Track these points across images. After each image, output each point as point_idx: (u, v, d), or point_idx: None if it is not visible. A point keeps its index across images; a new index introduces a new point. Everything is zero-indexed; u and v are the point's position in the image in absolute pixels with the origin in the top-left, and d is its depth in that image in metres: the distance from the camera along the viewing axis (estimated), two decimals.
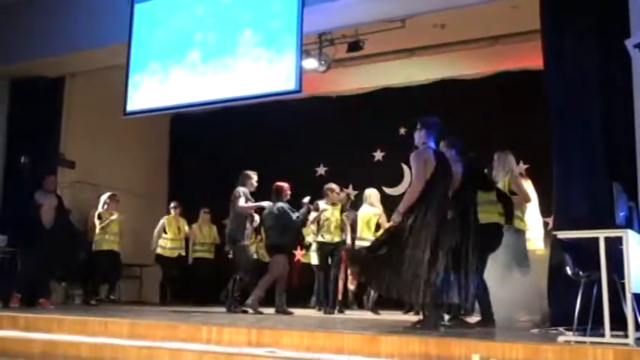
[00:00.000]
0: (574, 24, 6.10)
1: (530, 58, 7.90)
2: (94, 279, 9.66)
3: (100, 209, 9.59)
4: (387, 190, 10.20)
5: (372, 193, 8.84)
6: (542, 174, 6.68)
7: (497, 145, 7.16)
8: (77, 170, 10.51)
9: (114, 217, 9.48)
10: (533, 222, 6.81)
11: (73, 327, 5.93)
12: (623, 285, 4.28)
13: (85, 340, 5.57)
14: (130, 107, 8.56)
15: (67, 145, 10.26)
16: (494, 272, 5.93)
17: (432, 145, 5.56)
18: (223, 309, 8.12)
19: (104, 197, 9.67)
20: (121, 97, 8.55)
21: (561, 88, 6.05)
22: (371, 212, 8.66)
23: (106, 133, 10.70)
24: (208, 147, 11.97)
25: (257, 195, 10.86)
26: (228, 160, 11.62)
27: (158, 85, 8.38)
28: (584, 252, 4.61)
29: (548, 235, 6.46)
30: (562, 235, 4.71)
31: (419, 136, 5.62)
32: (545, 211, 7.02)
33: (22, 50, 9.28)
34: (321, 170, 11.40)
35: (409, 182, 5.69)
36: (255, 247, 9.70)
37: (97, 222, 9.48)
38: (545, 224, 7.26)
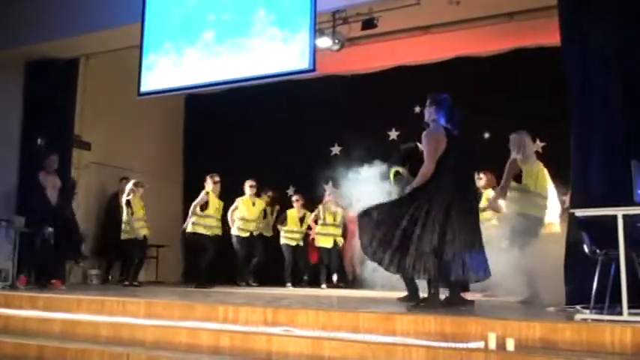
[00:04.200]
0: None
1: (548, 35, 7.79)
2: (127, 262, 9.76)
3: (126, 196, 9.59)
4: (402, 170, 10.13)
5: None
6: (560, 151, 6.61)
7: (513, 123, 7.10)
8: (93, 152, 10.59)
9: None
10: (551, 207, 6.76)
11: (92, 307, 6.01)
12: None
13: (103, 320, 5.63)
14: (144, 88, 8.58)
15: (82, 126, 10.32)
16: (510, 257, 5.96)
17: (442, 122, 5.53)
18: (239, 288, 8.18)
19: (129, 185, 9.64)
20: (135, 77, 8.56)
21: (579, 64, 5.95)
22: None
23: (121, 114, 10.72)
24: (222, 127, 11.96)
25: (276, 177, 10.95)
26: (243, 140, 11.66)
27: (172, 65, 8.38)
28: (602, 230, 4.57)
29: (565, 212, 6.42)
30: (580, 212, 4.66)
31: (429, 113, 5.61)
32: (562, 189, 6.96)
33: (36, 32, 9.28)
34: (336, 150, 11.38)
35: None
36: None
37: (125, 209, 9.51)
38: (562, 202, 7.20)
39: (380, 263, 5.40)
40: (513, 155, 6.47)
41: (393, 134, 10.74)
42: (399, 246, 5.24)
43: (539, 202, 6.46)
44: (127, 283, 9.31)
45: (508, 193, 6.47)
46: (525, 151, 6.50)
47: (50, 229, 8.28)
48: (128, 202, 9.50)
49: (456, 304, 5.28)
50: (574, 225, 5.23)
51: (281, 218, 10.51)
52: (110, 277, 10.49)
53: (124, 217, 9.50)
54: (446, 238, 5.16)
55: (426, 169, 5.34)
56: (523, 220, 6.27)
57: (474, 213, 5.53)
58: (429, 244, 5.14)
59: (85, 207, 10.20)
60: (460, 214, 5.31)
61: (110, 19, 8.69)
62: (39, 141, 9.42)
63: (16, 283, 8.07)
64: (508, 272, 6.05)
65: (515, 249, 6.09)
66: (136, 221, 9.44)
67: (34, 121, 9.77)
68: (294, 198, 10.59)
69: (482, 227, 5.60)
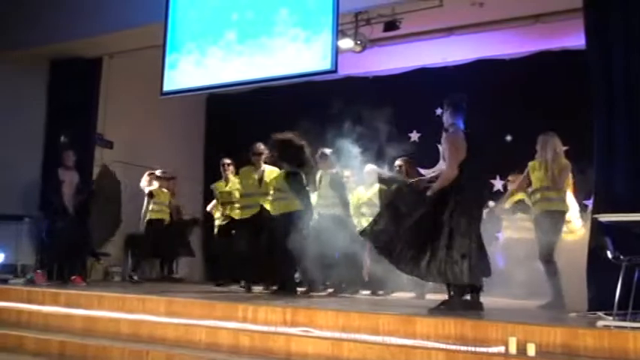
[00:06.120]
0: (617, 1, 5.94)
1: (572, 38, 7.72)
2: (138, 254, 9.77)
3: (151, 187, 9.63)
4: (423, 172, 10.10)
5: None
6: (583, 156, 6.54)
7: (536, 127, 7.04)
8: (115, 150, 10.66)
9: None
10: (571, 206, 6.73)
11: (113, 304, 6.05)
12: None
13: (124, 317, 5.67)
14: (166, 87, 8.64)
15: (105, 125, 10.39)
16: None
17: (461, 124, 5.46)
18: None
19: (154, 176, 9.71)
20: (158, 77, 8.62)
21: (604, 67, 5.89)
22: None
23: (143, 113, 10.78)
24: (244, 127, 11.95)
25: None
26: (263, 140, 11.64)
27: (194, 65, 8.42)
28: (626, 235, 4.52)
29: (588, 217, 6.37)
30: (603, 218, 4.61)
31: (446, 117, 5.54)
32: (585, 194, 6.90)
33: (61, 31, 9.39)
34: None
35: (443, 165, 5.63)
36: None
37: (146, 199, 9.56)
38: (585, 207, 7.14)
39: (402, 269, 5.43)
40: (552, 156, 6.37)
41: (415, 136, 10.69)
42: (427, 251, 5.22)
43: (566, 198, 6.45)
44: (136, 278, 9.15)
45: (538, 195, 6.40)
46: (559, 150, 6.46)
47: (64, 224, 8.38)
48: (150, 193, 9.51)
49: (476, 309, 5.24)
50: (597, 230, 5.18)
51: None
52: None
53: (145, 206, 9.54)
54: (475, 241, 5.16)
55: (449, 173, 5.28)
56: (559, 217, 6.24)
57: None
58: (459, 249, 5.11)
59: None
60: (480, 216, 5.34)
61: (133, 18, 8.76)
62: (62, 138, 9.52)
63: (34, 279, 8.17)
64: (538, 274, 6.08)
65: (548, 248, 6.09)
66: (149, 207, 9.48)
67: (57, 119, 9.88)
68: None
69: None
